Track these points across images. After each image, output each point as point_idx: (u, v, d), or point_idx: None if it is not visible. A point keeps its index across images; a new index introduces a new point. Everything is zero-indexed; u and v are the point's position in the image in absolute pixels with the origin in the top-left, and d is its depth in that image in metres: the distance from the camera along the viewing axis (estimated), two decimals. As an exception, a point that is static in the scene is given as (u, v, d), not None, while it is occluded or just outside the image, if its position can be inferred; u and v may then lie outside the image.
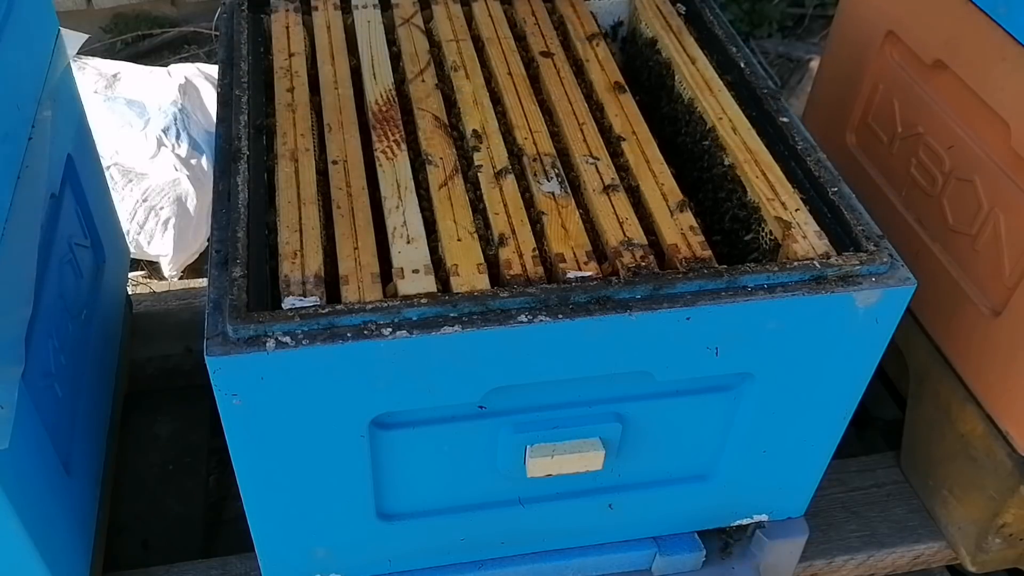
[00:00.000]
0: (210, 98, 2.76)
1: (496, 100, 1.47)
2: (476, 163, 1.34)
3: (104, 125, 2.54)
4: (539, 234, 1.24)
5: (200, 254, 2.65)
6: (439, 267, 1.19)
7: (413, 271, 1.16)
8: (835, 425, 1.37)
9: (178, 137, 2.59)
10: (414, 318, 1.09)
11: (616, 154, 1.39)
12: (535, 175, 1.32)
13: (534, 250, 1.21)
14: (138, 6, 3.67)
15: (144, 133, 2.57)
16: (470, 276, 1.16)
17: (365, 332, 1.08)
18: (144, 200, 2.51)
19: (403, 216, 1.24)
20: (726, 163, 1.39)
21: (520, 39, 1.61)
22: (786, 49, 3.72)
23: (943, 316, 1.67)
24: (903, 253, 1.24)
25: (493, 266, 1.20)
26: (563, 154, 1.39)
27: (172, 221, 2.52)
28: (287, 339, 1.06)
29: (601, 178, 1.33)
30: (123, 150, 2.55)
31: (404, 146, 1.36)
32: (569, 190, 1.31)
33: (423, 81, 1.49)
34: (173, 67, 2.87)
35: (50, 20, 1.66)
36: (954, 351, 1.66)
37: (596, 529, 1.45)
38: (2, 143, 1.33)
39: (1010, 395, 1.54)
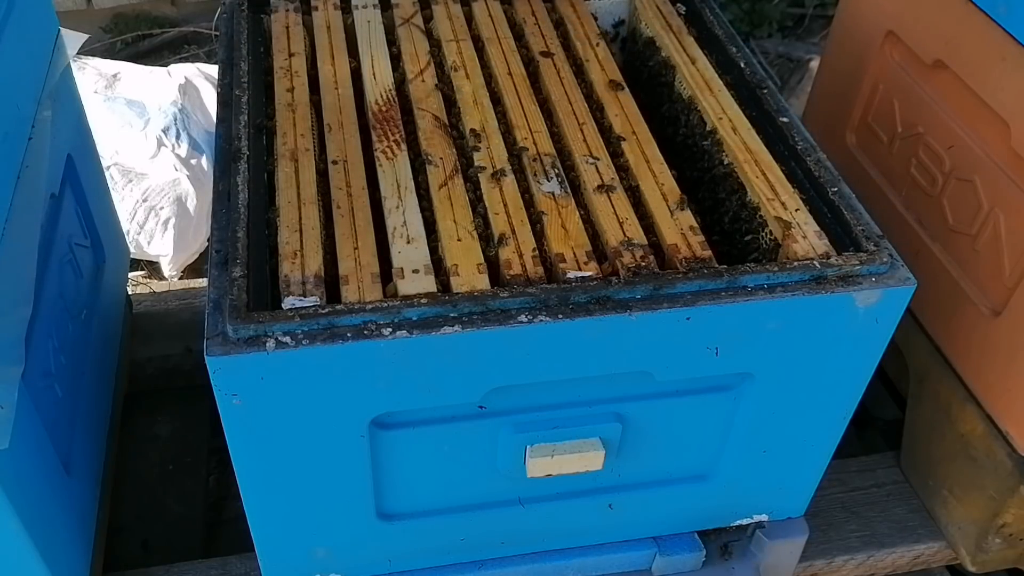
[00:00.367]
0: (210, 98, 2.76)
1: (496, 100, 1.47)
2: (476, 163, 1.34)
3: (104, 125, 2.54)
4: (539, 234, 1.24)
5: (200, 254, 2.65)
6: (439, 267, 1.19)
7: (413, 271, 1.16)
8: (835, 425, 1.37)
9: (178, 137, 2.59)
10: (414, 318, 1.09)
11: (616, 154, 1.39)
12: (535, 175, 1.32)
13: (534, 250, 1.21)
14: (138, 6, 3.67)
15: (144, 133, 2.57)
16: (470, 276, 1.16)
17: (365, 332, 1.08)
18: (144, 200, 2.51)
19: (403, 216, 1.24)
20: (726, 163, 1.39)
21: (520, 39, 1.61)
22: (786, 49, 3.72)
23: (943, 316, 1.67)
24: (903, 253, 1.24)
25: (493, 266, 1.20)
26: (563, 154, 1.39)
27: (172, 221, 2.52)
28: (287, 339, 1.06)
29: (601, 178, 1.33)
30: (123, 150, 2.55)
31: (404, 146, 1.36)
32: (569, 190, 1.31)
33: (423, 81, 1.49)
34: (173, 67, 2.87)
35: (50, 20, 1.66)
36: (954, 351, 1.66)
37: (596, 529, 1.45)
38: (2, 143, 1.33)
39: (1010, 395, 1.54)
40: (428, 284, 1.15)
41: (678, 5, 1.70)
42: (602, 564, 1.49)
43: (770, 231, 1.29)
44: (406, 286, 1.14)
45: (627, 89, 1.52)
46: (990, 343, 1.56)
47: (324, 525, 1.30)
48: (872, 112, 1.83)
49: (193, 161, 2.59)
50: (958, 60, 1.57)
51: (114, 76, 2.74)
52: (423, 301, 1.10)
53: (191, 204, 2.55)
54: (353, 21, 1.61)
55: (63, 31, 1.71)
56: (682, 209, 1.29)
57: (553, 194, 1.30)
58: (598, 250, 1.23)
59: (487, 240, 1.23)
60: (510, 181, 1.31)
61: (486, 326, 1.09)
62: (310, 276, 1.15)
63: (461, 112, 1.44)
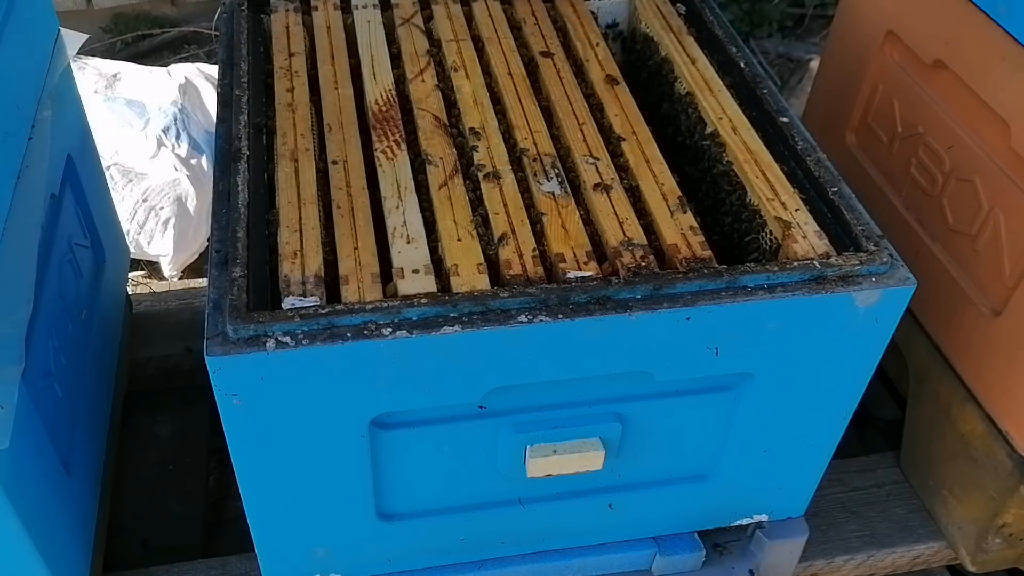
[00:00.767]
0: (210, 98, 2.75)
1: (496, 100, 1.47)
2: (476, 163, 1.34)
3: (104, 125, 2.54)
4: (539, 234, 1.24)
5: (200, 254, 2.65)
6: (439, 267, 1.19)
7: (413, 271, 1.16)
8: (835, 425, 1.37)
9: (178, 137, 2.59)
10: (414, 318, 1.09)
11: (616, 154, 1.39)
12: (535, 175, 1.32)
13: (534, 250, 1.21)
14: (138, 6, 3.67)
15: (144, 133, 2.57)
16: (470, 276, 1.16)
17: (365, 332, 1.08)
18: (144, 200, 2.51)
19: (403, 216, 1.24)
20: (726, 163, 1.39)
21: (520, 39, 1.61)
22: (786, 49, 3.72)
23: (943, 316, 1.67)
24: (903, 253, 1.24)
25: (493, 266, 1.20)
26: (563, 154, 1.39)
27: (172, 221, 2.52)
28: (287, 339, 1.06)
29: (601, 178, 1.33)
30: (123, 150, 2.55)
31: (404, 146, 1.36)
32: (569, 190, 1.31)
33: (423, 81, 1.49)
34: (173, 67, 2.87)
35: (50, 20, 1.66)
36: (954, 351, 1.66)
37: (596, 529, 1.45)
38: (2, 143, 1.33)
39: (1010, 395, 1.54)
40: (428, 284, 1.15)
41: (678, 5, 1.70)
42: (602, 564, 1.49)
43: (770, 231, 1.29)
44: (406, 286, 1.14)
45: (623, 84, 1.52)
46: (990, 343, 1.56)
47: (324, 525, 1.30)
48: (872, 112, 1.83)
49: (193, 161, 2.59)
50: (958, 60, 1.57)
51: (114, 76, 2.74)
52: (423, 301, 1.10)
53: (191, 204, 2.55)
54: (353, 21, 1.61)
55: (63, 31, 1.71)
56: (682, 209, 1.29)
57: (553, 194, 1.30)
58: (598, 250, 1.23)
59: (487, 240, 1.23)
60: (510, 181, 1.31)
61: (486, 326, 1.09)
62: (310, 276, 1.15)
63: (461, 112, 1.44)
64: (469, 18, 1.65)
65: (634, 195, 1.33)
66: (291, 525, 1.29)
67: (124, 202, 2.49)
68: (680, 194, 1.32)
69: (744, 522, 1.52)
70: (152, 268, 2.67)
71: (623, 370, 1.20)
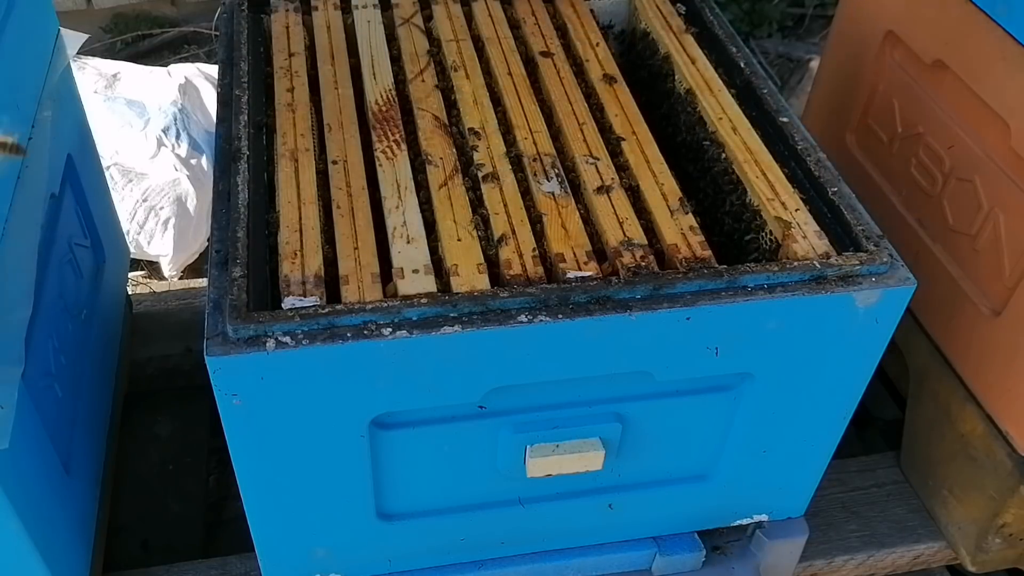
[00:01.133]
0: (210, 98, 2.75)
1: (496, 100, 1.47)
2: (476, 163, 1.34)
3: (104, 125, 2.54)
4: (539, 234, 1.24)
5: (200, 254, 2.65)
6: (439, 267, 1.19)
7: (413, 271, 1.16)
8: (835, 425, 1.37)
9: (178, 137, 2.59)
10: (414, 318, 1.09)
11: (616, 154, 1.39)
12: (535, 175, 1.32)
13: (534, 250, 1.21)
14: (138, 6, 3.67)
15: (144, 133, 2.57)
16: (470, 276, 1.16)
17: (365, 332, 1.08)
18: (144, 200, 2.51)
19: (403, 216, 1.24)
20: (726, 163, 1.39)
21: (520, 39, 1.61)
22: (786, 49, 3.72)
23: (943, 316, 1.67)
24: (903, 253, 1.24)
25: (493, 266, 1.20)
26: (563, 154, 1.39)
27: (172, 221, 2.52)
28: (287, 339, 1.06)
29: (601, 178, 1.33)
30: (123, 150, 2.55)
31: (404, 146, 1.36)
32: (569, 190, 1.31)
33: (423, 81, 1.49)
34: (173, 67, 2.87)
35: (50, 20, 1.66)
36: (954, 351, 1.66)
37: (596, 529, 1.45)
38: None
39: (1010, 395, 1.54)
40: (428, 284, 1.15)
41: (678, 5, 1.70)
42: (602, 564, 1.49)
43: (770, 231, 1.29)
44: (406, 286, 1.14)
45: (623, 83, 1.52)
46: (990, 343, 1.56)
47: (324, 525, 1.30)
48: (872, 112, 1.83)
49: (193, 161, 2.59)
50: (958, 60, 1.57)
51: (114, 76, 2.74)
52: (423, 301, 1.10)
53: (191, 204, 2.55)
54: (353, 21, 1.61)
55: (63, 31, 1.71)
56: (682, 209, 1.29)
57: (553, 194, 1.30)
58: (598, 250, 1.23)
59: (487, 240, 1.23)
60: (510, 181, 1.31)
61: (486, 326, 1.09)
62: (310, 276, 1.15)
63: (461, 112, 1.44)
64: (469, 18, 1.65)
65: (634, 195, 1.33)
66: (291, 525, 1.29)
67: (124, 202, 2.49)
68: (680, 194, 1.32)
69: (744, 522, 1.52)
70: (152, 268, 2.67)
71: (623, 370, 1.20)
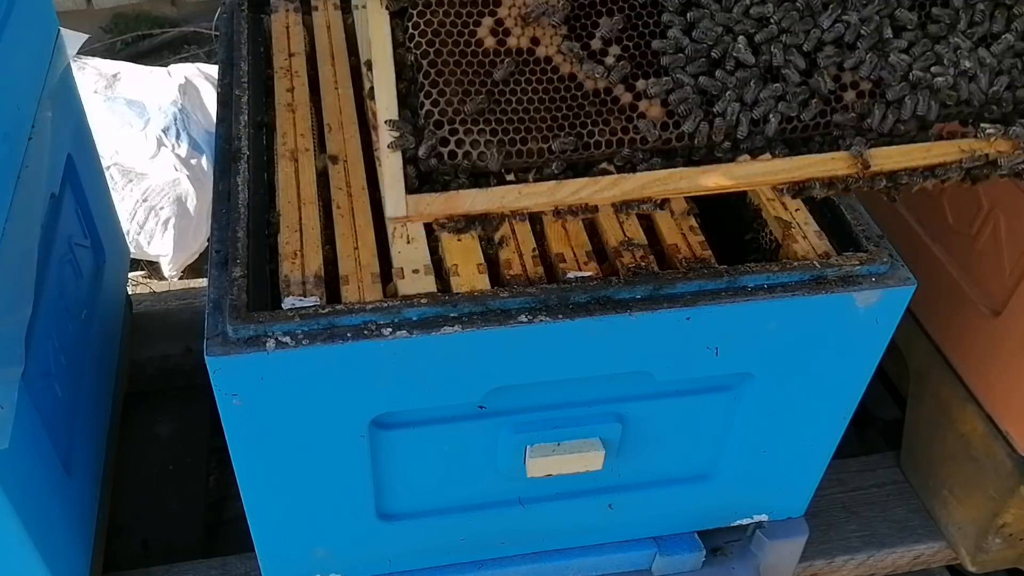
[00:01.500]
0: (210, 98, 2.75)
1: (496, 100, 1.47)
2: (476, 163, 1.34)
3: (104, 125, 2.54)
4: (539, 234, 1.24)
5: (200, 254, 2.65)
6: (439, 267, 1.19)
7: (413, 271, 1.16)
8: (835, 425, 1.37)
9: (178, 137, 2.59)
10: (414, 318, 1.09)
11: (616, 154, 1.39)
12: (535, 175, 1.32)
13: (534, 250, 1.21)
14: (138, 6, 3.67)
15: (144, 133, 2.57)
16: (470, 276, 1.16)
17: (365, 332, 1.08)
18: (144, 200, 2.51)
19: (403, 216, 1.24)
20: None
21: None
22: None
23: (943, 316, 1.67)
24: (903, 253, 1.24)
25: (493, 266, 1.20)
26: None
27: (172, 221, 2.52)
28: (287, 339, 1.06)
29: (601, 178, 1.32)
30: (123, 150, 2.55)
31: (404, 146, 1.36)
32: (569, 190, 1.31)
33: (423, 81, 1.49)
34: (173, 67, 2.87)
35: (50, 20, 1.66)
36: (954, 351, 1.66)
37: (596, 529, 1.45)
38: (2, 143, 1.33)
39: (1010, 395, 1.54)
40: (428, 284, 1.15)
41: None
42: (602, 564, 1.49)
43: (770, 231, 1.29)
44: (406, 286, 1.14)
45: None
46: (990, 343, 1.56)
47: (324, 525, 1.30)
48: (872, 112, 1.83)
49: (193, 161, 2.59)
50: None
51: (114, 76, 2.74)
52: (423, 301, 1.10)
53: (191, 204, 2.55)
54: (353, 21, 1.61)
55: (63, 31, 1.71)
56: (683, 210, 1.29)
57: (553, 194, 1.30)
58: (598, 250, 1.23)
59: (487, 240, 1.23)
60: (510, 181, 1.31)
61: (486, 326, 1.09)
62: (310, 276, 1.15)
63: (461, 112, 1.43)
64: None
65: (634, 195, 1.32)
66: (291, 525, 1.29)
67: (124, 202, 2.49)
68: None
69: (744, 522, 1.52)
70: (152, 268, 2.67)
71: (623, 370, 1.20)
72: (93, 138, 1.86)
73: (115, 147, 2.54)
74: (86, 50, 3.07)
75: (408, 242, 1.21)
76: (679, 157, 1.06)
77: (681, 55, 1.04)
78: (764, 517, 1.51)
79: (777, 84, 1.04)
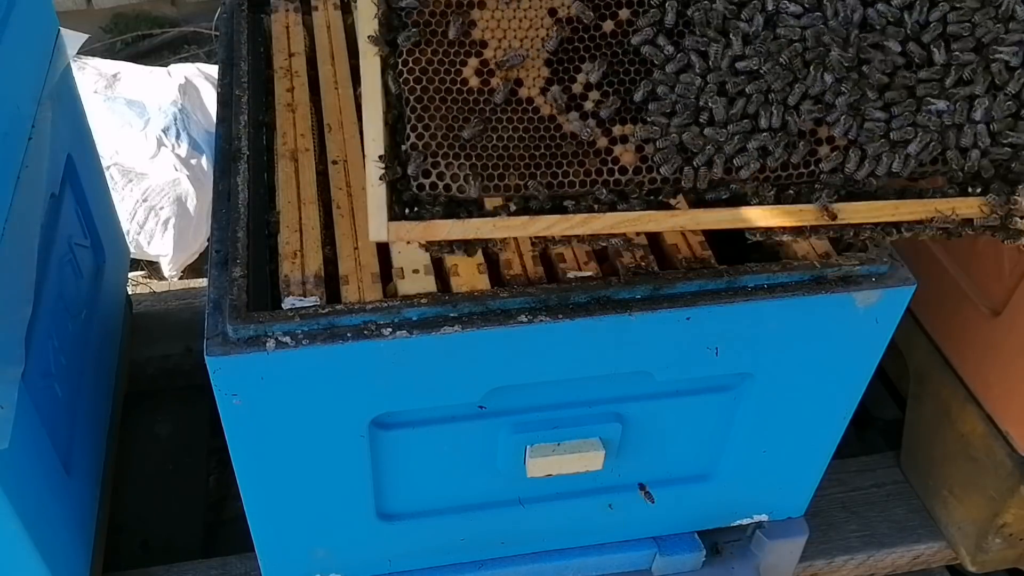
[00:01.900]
0: (210, 98, 2.75)
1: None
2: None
3: (104, 125, 2.54)
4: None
5: (200, 254, 2.65)
6: (439, 267, 1.19)
7: (413, 271, 1.16)
8: (835, 425, 1.37)
9: (178, 137, 2.59)
10: (414, 318, 1.09)
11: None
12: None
13: (534, 250, 1.21)
14: (138, 6, 3.67)
15: (144, 133, 2.57)
16: (470, 276, 1.16)
17: (365, 332, 1.08)
18: (144, 200, 2.51)
19: (403, 216, 1.24)
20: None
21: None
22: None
23: (943, 316, 1.67)
24: (903, 253, 1.24)
25: (493, 266, 1.19)
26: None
27: (172, 221, 2.52)
28: (287, 339, 1.06)
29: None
30: (123, 150, 2.55)
31: (404, 146, 1.36)
32: (569, 190, 1.31)
33: (423, 81, 1.49)
34: (173, 67, 2.87)
35: (50, 20, 1.66)
36: (954, 351, 1.66)
37: (596, 529, 1.45)
38: (2, 143, 1.33)
39: (1010, 395, 1.54)
40: (428, 284, 1.15)
41: None
42: (602, 564, 1.49)
43: (770, 231, 1.29)
44: (406, 286, 1.14)
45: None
46: (990, 343, 1.56)
47: (324, 525, 1.30)
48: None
49: (193, 161, 2.59)
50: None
51: (114, 76, 2.74)
52: (423, 301, 1.10)
53: (191, 204, 2.55)
54: (353, 21, 1.61)
55: (63, 31, 1.71)
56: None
57: (553, 194, 1.30)
58: (598, 250, 1.23)
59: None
60: (510, 181, 1.31)
61: (486, 326, 1.09)
62: (310, 276, 1.15)
63: (461, 112, 1.43)
64: (469, 18, 1.64)
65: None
66: (291, 525, 1.29)
67: (124, 202, 2.49)
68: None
69: (744, 522, 1.52)
70: (152, 268, 2.67)
71: (623, 370, 1.20)
72: (93, 138, 1.86)
73: (115, 147, 2.54)
74: (86, 50, 3.07)
75: (408, 242, 1.21)
76: (651, 197, 1.09)
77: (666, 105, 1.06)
78: (764, 517, 1.52)
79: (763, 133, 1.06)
